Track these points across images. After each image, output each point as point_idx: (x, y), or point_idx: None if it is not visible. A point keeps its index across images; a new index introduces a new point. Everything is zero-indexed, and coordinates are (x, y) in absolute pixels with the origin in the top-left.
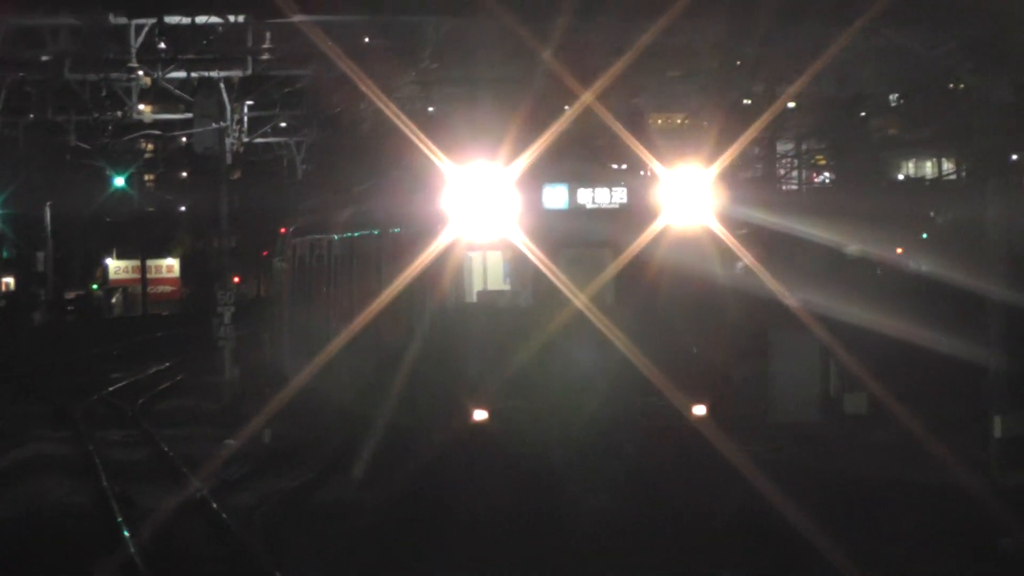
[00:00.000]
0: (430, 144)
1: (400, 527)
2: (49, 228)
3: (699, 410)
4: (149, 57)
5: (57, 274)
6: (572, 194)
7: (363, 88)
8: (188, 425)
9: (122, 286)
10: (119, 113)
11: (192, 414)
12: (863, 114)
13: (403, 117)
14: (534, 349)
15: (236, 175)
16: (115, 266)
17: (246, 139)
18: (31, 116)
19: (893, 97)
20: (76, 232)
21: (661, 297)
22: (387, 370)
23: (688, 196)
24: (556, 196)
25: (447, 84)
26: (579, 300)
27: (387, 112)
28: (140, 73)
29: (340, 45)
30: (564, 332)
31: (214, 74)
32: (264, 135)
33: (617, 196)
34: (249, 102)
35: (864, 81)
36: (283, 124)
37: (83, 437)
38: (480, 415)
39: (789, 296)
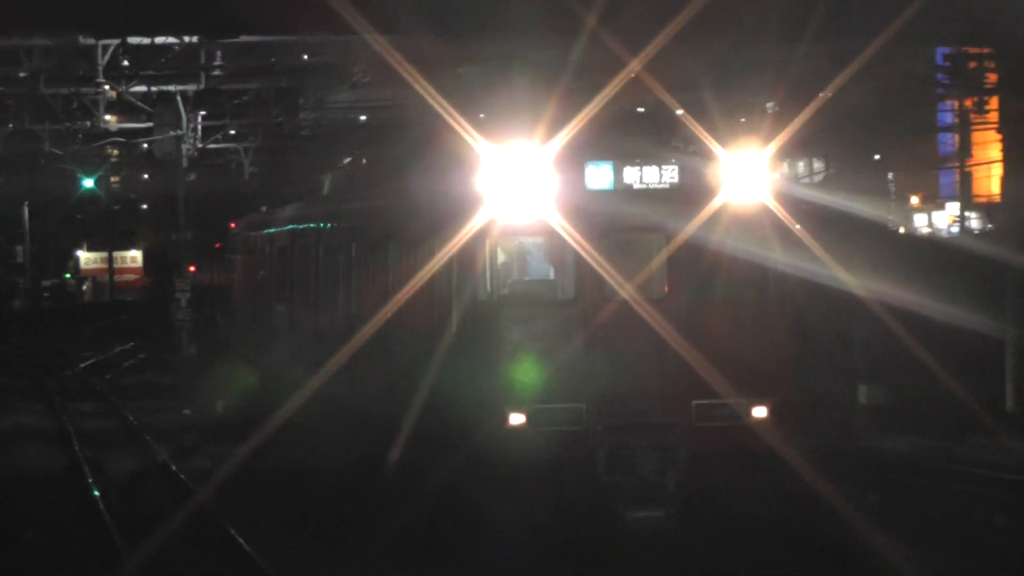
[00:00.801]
0: (462, 121)
1: (348, 490)
2: (27, 224)
3: (759, 412)
4: (114, 73)
5: (34, 265)
6: (618, 173)
7: (300, 101)
8: (150, 398)
9: (92, 275)
10: (88, 123)
11: (153, 388)
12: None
13: (434, 93)
14: (575, 346)
15: (191, 177)
16: (85, 258)
17: (200, 145)
18: (10, 126)
19: (769, 105)
20: (51, 228)
21: (717, 287)
22: (400, 365)
23: (746, 175)
24: (600, 176)
25: (478, 61)
26: (626, 291)
27: (418, 88)
28: (106, 87)
29: (282, 62)
30: (609, 326)
31: (172, 88)
32: (216, 141)
33: (668, 175)
34: (203, 112)
35: (746, 90)
36: (232, 132)
37: (57, 409)
38: (517, 419)
39: (861, 285)
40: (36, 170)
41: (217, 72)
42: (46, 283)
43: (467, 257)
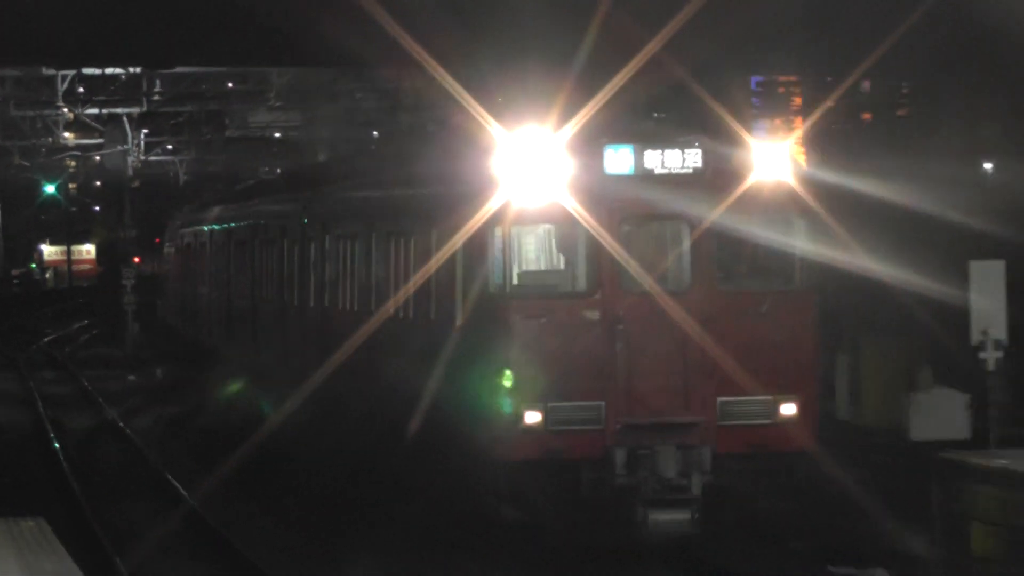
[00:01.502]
0: (476, 105)
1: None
2: (0, 223)
3: (788, 409)
4: (71, 98)
5: (5, 257)
6: (638, 157)
7: (227, 121)
8: (102, 367)
9: (53, 266)
10: (50, 139)
11: (104, 359)
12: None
13: (446, 77)
14: (593, 340)
15: (135, 184)
16: (48, 251)
17: (143, 157)
18: None
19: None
20: (20, 226)
21: (742, 278)
22: (394, 362)
23: (773, 160)
24: (619, 160)
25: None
26: (646, 282)
27: (431, 70)
28: (65, 110)
29: (211, 89)
30: (629, 320)
31: (119, 110)
32: (156, 154)
33: (691, 159)
34: (145, 131)
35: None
36: (170, 146)
37: (24, 376)
38: (532, 417)
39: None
40: (7, 179)
41: (157, 97)
42: (15, 272)
43: (476, 245)
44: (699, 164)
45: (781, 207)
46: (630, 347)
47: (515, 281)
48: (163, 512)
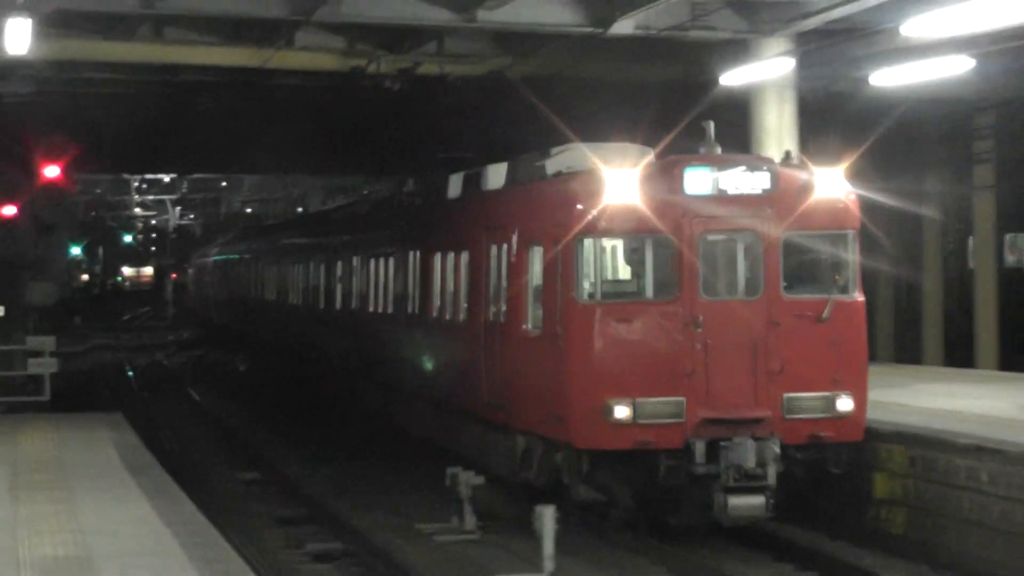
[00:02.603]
0: (561, 124)
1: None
2: (101, 256)
3: (845, 405)
4: (140, 190)
5: (104, 273)
6: (715, 179)
7: None
8: (152, 332)
9: (129, 279)
10: (127, 211)
11: (155, 327)
12: None
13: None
14: (675, 342)
15: (173, 235)
16: (127, 271)
17: (177, 222)
18: (93, 213)
19: None
20: (112, 256)
21: (805, 284)
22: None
23: (830, 182)
24: (698, 181)
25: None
26: (721, 290)
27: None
28: (136, 196)
29: (213, 184)
30: (707, 323)
31: (164, 197)
32: (185, 220)
33: (760, 181)
34: (179, 208)
35: None
36: (192, 216)
37: (113, 334)
38: (622, 412)
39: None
40: (106, 232)
41: (184, 189)
42: (109, 282)
43: (572, 257)
44: (768, 185)
45: (837, 222)
46: (707, 348)
47: (606, 288)
48: (184, 403)
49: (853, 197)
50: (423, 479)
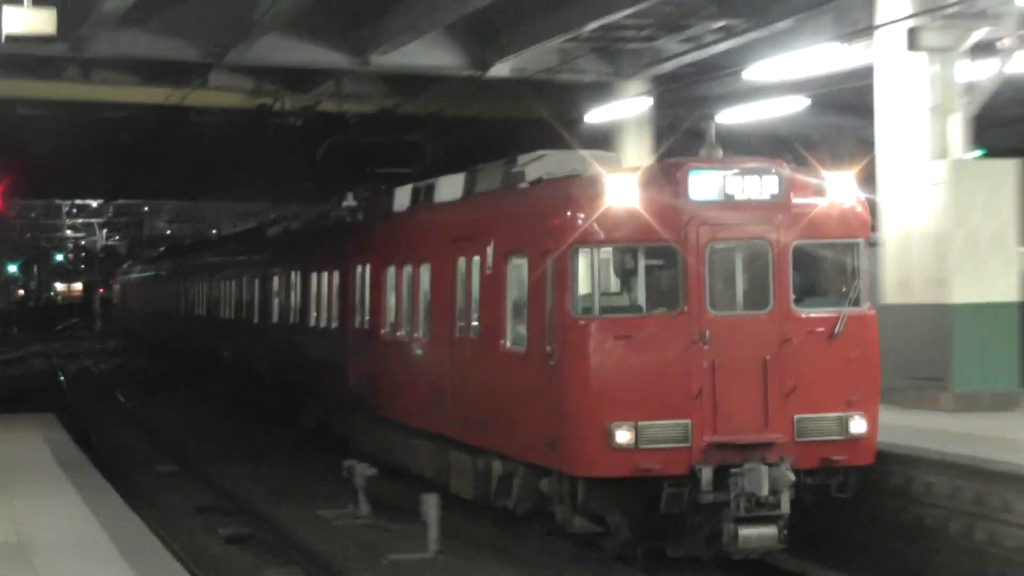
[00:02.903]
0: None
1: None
2: (36, 273)
3: (858, 427)
4: (71, 213)
5: (39, 289)
6: (721, 184)
7: None
8: (83, 340)
9: (61, 294)
10: (59, 233)
11: (85, 336)
12: None
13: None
14: (679, 359)
15: (101, 255)
16: (59, 286)
17: (104, 243)
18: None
19: None
20: (45, 274)
21: (815, 298)
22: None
23: (841, 187)
24: (703, 186)
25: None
26: (729, 303)
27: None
28: (67, 219)
29: (137, 207)
30: (714, 339)
31: (92, 220)
32: (112, 241)
33: (768, 187)
34: (105, 230)
35: None
36: (118, 237)
37: (45, 343)
38: (623, 436)
39: None
40: (38, 251)
41: (110, 213)
42: (43, 295)
43: (564, 270)
44: (776, 191)
45: (848, 230)
46: (715, 366)
47: (605, 302)
48: (110, 404)
49: (863, 203)
50: (325, 471)
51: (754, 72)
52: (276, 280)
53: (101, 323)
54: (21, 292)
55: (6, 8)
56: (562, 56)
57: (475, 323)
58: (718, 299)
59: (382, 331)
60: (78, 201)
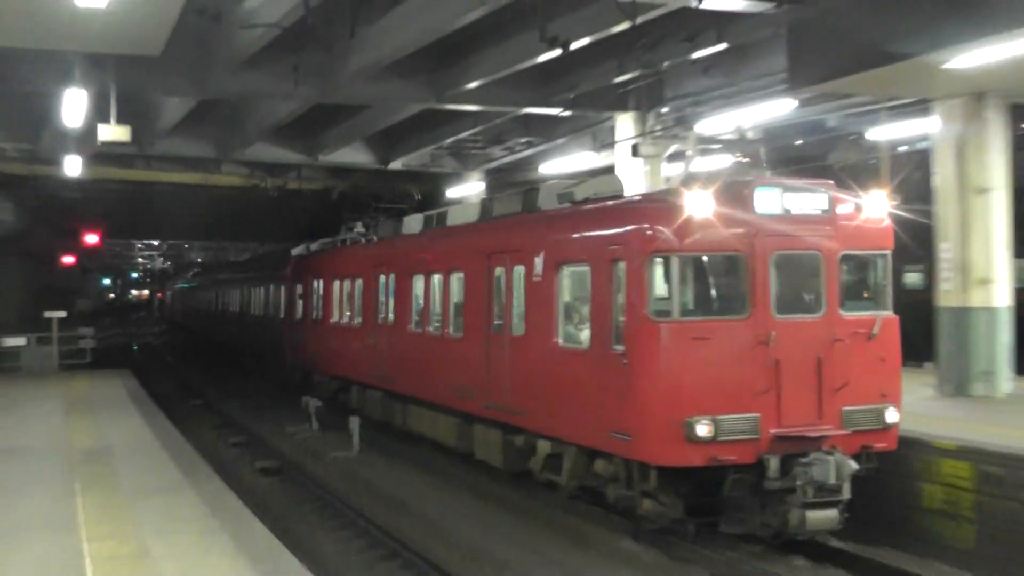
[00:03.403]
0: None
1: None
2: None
3: (892, 416)
4: (141, 248)
5: (122, 294)
6: (782, 199)
7: None
8: (149, 326)
9: (135, 298)
10: (135, 260)
11: (150, 324)
12: None
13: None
14: (748, 358)
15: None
16: (135, 292)
17: (166, 264)
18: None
19: None
20: (125, 286)
21: (858, 300)
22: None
23: (876, 204)
24: (768, 200)
25: None
26: (790, 307)
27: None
28: (139, 251)
29: (178, 244)
30: (777, 340)
31: (153, 252)
32: (162, 264)
33: (820, 203)
34: (161, 257)
35: None
36: (167, 263)
37: (125, 328)
38: (703, 429)
39: None
40: (121, 273)
41: (165, 248)
42: (124, 299)
43: (641, 276)
44: (826, 207)
45: (881, 242)
46: (778, 364)
47: (679, 306)
48: (161, 364)
49: (890, 219)
50: (293, 406)
51: (544, 168)
52: (299, 287)
53: (157, 315)
54: (111, 296)
55: (100, 125)
56: (432, 157)
57: (515, 322)
58: (781, 304)
59: (408, 326)
60: (144, 241)
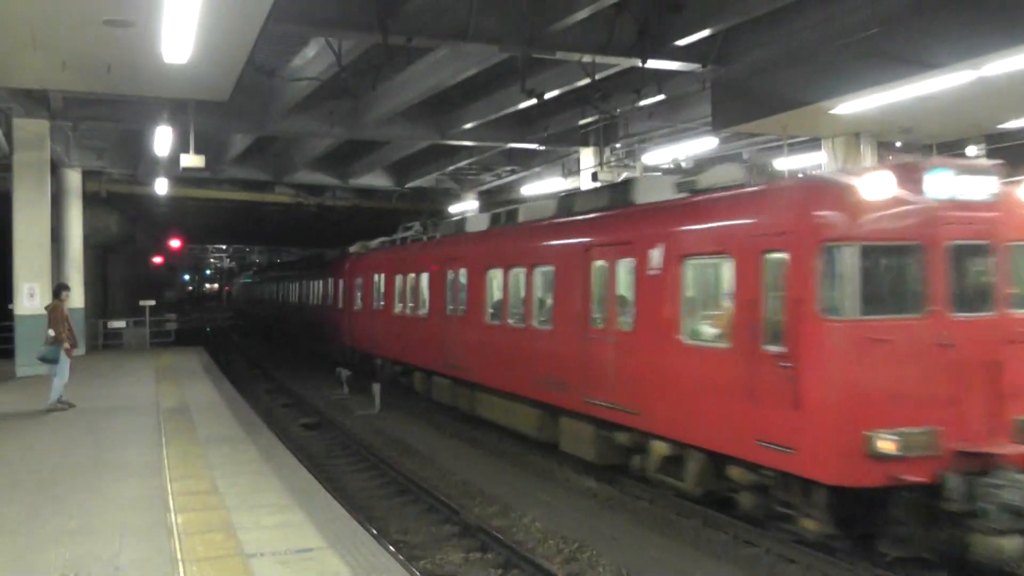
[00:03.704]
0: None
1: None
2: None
3: None
4: (212, 252)
5: (197, 288)
6: (953, 183)
7: None
8: (220, 312)
9: (207, 290)
10: (209, 260)
11: (220, 312)
12: None
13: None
14: (926, 363)
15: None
16: (207, 287)
17: (225, 265)
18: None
19: None
20: (199, 282)
21: (1019, 300)
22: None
23: None
24: (939, 184)
25: None
26: (968, 305)
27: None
28: (211, 253)
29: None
30: (957, 343)
31: (222, 253)
32: (229, 264)
33: (990, 187)
34: (230, 259)
35: None
36: (233, 263)
37: (201, 315)
38: (886, 444)
39: None
40: (198, 270)
41: (231, 250)
42: (200, 291)
43: (809, 270)
44: (995, 190)
45: None
46: (960, 370)
47: (853, 303)
48: (228, 342)
49: None
50: (330, 374)
51: (526, 190)
52: (359, 280)
53: (225, 304)
54: (190, 288)
55: (183, 155)
56: (437, 181)
57: (622, 317)
58: (958, 300)
59: (482, 318)
60: (214, 245)
